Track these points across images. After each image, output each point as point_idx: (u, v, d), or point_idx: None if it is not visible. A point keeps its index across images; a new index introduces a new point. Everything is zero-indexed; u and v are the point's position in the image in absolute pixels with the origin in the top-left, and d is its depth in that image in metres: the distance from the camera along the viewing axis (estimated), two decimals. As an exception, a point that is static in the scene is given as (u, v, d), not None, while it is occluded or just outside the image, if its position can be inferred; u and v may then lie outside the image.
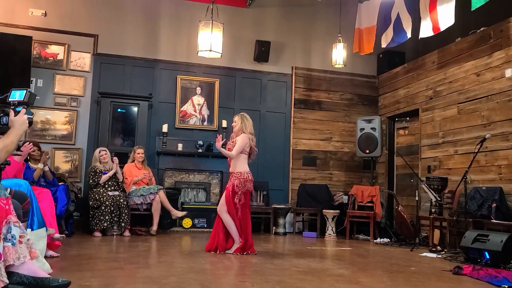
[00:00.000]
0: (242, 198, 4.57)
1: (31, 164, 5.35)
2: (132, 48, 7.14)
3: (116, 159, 6.06)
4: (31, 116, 2.51)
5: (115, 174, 6.07)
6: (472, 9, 5.15)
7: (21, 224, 2.39)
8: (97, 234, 5.64)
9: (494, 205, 5.02)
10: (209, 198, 7.18)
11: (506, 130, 5.34)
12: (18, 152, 4.13)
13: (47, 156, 5.42)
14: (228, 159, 4.75)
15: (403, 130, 7.59)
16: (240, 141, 4.63)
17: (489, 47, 5.69)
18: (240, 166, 4.62)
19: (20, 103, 2.53)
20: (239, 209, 4.55)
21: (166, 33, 7.33)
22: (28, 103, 2.55)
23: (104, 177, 5.95)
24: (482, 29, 5.87)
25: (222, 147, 4.61)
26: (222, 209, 4.57)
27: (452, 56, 6.33)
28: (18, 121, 2.42)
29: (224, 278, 3.42)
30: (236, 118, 4.80)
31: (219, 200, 7.00)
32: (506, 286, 3.22)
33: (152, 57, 7.23)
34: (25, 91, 2.57)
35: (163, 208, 6.09)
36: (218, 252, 4.50)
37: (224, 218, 4.54)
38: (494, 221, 4.89)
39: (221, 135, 4.79)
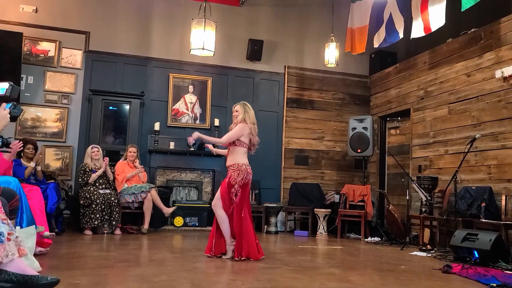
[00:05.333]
0: (239, 192, 4.09)
1: (23, 162, 5.32)
2: (124, 45, 7.09)
3: (107, 159, 6.02)
4: (15, 111, 2.44)
5: (105, 172, 6.04)
6: (462, 9, 5.20)
7: (9, 221, 2.37)
8: (88, 232, 5.60)
9: (483, 204, 5.06)
10: (201, 196, 7.17)
11: (495, 130, 5.39)
12: (8, 150, 4.09)
13: (40, 156, 5.44)
14: (226, 153, 4.33)
15: (395, 129, 7.63)
16: (236, 129, 4.19)
17: (480, 48, 5.74)
18: (238, 159, 4.17)
19: (2, 97, 2.46)
20: (236, 206, 4.08)
21: (158, 31, 7.29)
22: (11, 97, 2.48)
23: (93, 176, 5.90)
24: (472, 30, 5.92)
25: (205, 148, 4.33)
26: (217, 203, 4.15)
27: (443, 56, 6.38)
28: None
29: (215, 277, 3.42)
30: (238, 107, 4.32)
31: (211, 198, 7.06)
32: (495, 285, 3.24)
33: (144, 54, 7.19)
34: (7, 84, 2.50)
35: (154, 207, 6.07)
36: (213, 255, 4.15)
37: (219, 214, 4.11)
38: (483, 220, 4.94)
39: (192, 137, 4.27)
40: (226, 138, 4.21)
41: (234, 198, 4.10)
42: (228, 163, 4.24)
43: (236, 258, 4.05)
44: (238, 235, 4.09)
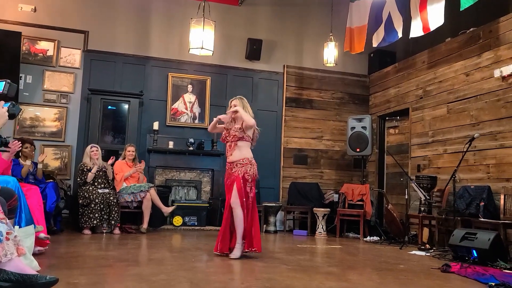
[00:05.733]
0: (253, 186, 4.15)
1: (22, 161, 5.31)
2: (123, 45, 7.09)
3: (113, 158, 6.05)
4: (13, 109, 2.43)
5: (105, 172, 6.04)
6: (461, 9, 5.21)
7: (8, 220, 2.36)
8: (87, 231, 5.60)
9: (482, 203, 5.07)
10: (200, 196, 7.17)
11: (494, 130, 5.39)
12: (7, 149, 4.09)
13: (45, 156, 5.66)
14: (226, 149, 4.30)
15: (394, 129, 7.64)
16: (250, 117, 4.19)
17: (478, 47, 5.75)
18: (247, 153, 4.20)
19: None
20: (252, 200, 4.13)
21: (157, 30, 7.29)
22: (8, 95, 2.47)
23: (90, 175, 5.89)
24: (471, 29, 5.92)
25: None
26: (236, 201, 4.08)
27: (442, 56, 6.38)
28: None
29: (214, 276, 3.41)
30: (236, 102, 4.27)
31: (210, 198, 7.07)
32: (493, 284, 3.24)
33: (143, 54, 7.19)
34: (4, 82, 2.48)
35: (153, 206, 6.07)
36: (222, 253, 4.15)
37: (237, 213, 4.08)
38: (482, 219, 4.94)
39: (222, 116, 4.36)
40: (252, 120, 4.17)
41: (249, 192, 4.15)
42: (235, 157, 4.20)
43: (246, 250, 4.12)
44: (249, 227, 4.13)
